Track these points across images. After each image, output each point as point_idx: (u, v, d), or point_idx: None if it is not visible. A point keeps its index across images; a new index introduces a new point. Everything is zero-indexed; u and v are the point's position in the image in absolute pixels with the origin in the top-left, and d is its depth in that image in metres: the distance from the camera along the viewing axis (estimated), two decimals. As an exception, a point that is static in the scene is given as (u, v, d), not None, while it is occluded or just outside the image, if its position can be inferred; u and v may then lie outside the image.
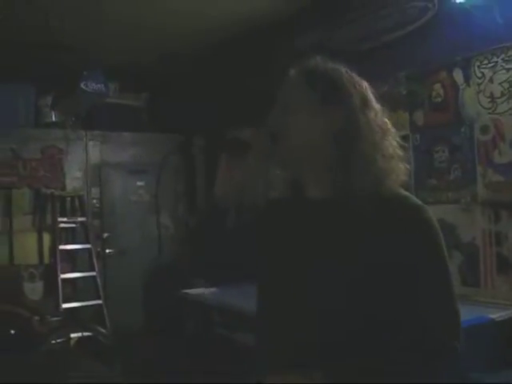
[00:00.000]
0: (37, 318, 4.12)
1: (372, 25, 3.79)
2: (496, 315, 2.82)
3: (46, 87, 5.29)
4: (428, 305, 1.31)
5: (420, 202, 1.38)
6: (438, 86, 3.49)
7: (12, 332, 3.92)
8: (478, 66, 3.27)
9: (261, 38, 4.72)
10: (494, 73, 3.20)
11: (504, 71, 3.15)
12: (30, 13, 4.11)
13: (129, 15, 4.33)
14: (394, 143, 1.41)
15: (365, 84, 1.44)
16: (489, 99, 3.23)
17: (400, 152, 1.41)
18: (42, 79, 5.15)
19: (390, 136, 1.41)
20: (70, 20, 4.18)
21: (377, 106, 1.42)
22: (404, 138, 3.65)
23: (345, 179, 1.35)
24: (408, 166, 1.42)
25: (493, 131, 3.21)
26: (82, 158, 5.47)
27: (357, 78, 1.44)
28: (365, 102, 1.39)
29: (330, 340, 1.31)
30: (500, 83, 3.17)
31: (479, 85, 3.28)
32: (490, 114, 3.23)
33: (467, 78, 3.34)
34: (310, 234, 1.39)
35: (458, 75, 3.38)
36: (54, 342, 4.06)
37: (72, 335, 4.38)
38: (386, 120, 1.42)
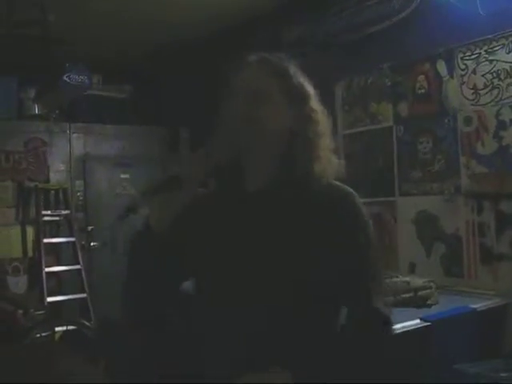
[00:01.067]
0: (21, 311, 4.10)
1: (356, 17, 3.79)
2: (478, 305, 2.85)
3: (28, 79, 5.24)
4: (352, 294, 1.40)
5: (350, 190, 1.46)
6: (421, 77, 3.50)
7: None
8: (462, 58, 3.29)
9: (245, 32, 4.70)
10: (477, 64, 3.22)
11: (487, 63, 3.17)
12: (12, 4, 4.05)
13: (114, 7, 4.29)
14: (332, 141, 1.50)
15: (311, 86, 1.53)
16: (472, 91, 3.25)
17: (335, 148, 1.50)
18: (24, 71, 5.10)
19: (330, 134, 1.50)
20: (53, 12, 4.13)
21: (321, 106, 1.51)
22: (387, 129, 3.72)
23: (291, 172, 1.42)
24: (341, 161, 1.50)
25: (476, 122, 3.23)
26: (66, 151, 5.43)
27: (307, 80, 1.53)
28: (317, 103, 1.50)
29: (265, 330, 1.35)
30: (483, 75, 3.19)
31: (462, 76, 3.29)
32: (473, 105, 3.25)
33: (450, 70, 3.35)
34: (248, 226, 1.43)
35: (442, 67, 3.40)
36: (38, 335, 4.04)
37: (56, 329, 4.36)
38: (328, 119, 1.51)
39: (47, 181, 5.32)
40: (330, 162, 1.46)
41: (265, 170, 1.46)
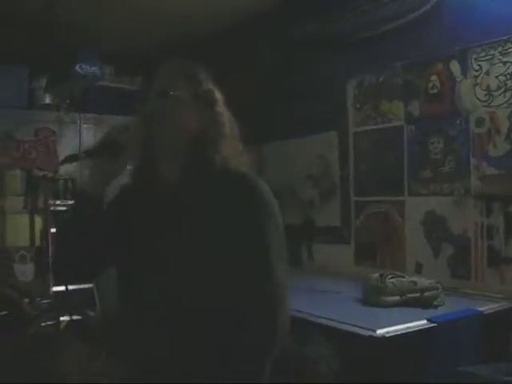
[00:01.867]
0: (27, 300, 4.12)
1: (371, 14, 3.76)
2: (485, 308, 2.83)
3: (39, 69, 5.24)
4: (244, 276, 1.49)
5: (248, 173, 1.61)
6: (434, 77, 3.48)
7: (2, 313, 3.92)
8: (475, 59, 3.26)
9: (257, 26, 4.68)
10: (491, 66, 3.19)
11: (501, 64, 3.14)
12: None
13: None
14: (239, 142, 1.68)
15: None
16: (485, 92, 3.22)
17: (240, 146, 1.68)
18: (35, 61, 5.10)
19: (236, 136, 1.67)
20: (66, 2, 4.13)
21: (227, 110, 1.69)
22: (398, 128, 3.69)
23: (198, 166, 1.58)
24: (247, 158, 1.66)
25: (488, 124, 3.20)
26: (76, 141, 5.43)
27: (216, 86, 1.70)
28: (223, 108, 1.67)
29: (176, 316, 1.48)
30: (496, 76, 3.16)
31: (476, 77, 3.26)
32: (485, 106, 3.22)
33: (464, 70, 3.32)
34: (164, 215, 1.58)
35: (455, 67, 3.37)
36: (43, 324, 4.06)
37: (62, 318, 4.38)
38: (234, 123, 1.68)
39: (56, 170, 5.33)
40: (233, 155, 1.62)
41: (174, 164, 1.61)
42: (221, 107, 1.66)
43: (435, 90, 3.47)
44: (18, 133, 5.22)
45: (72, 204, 1.73)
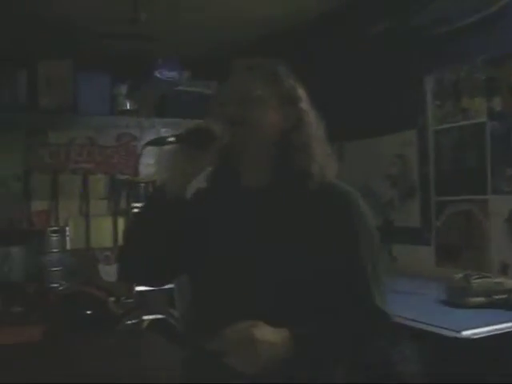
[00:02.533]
0: (113, 299, 4.26)
1: (451, 7, 3.67)
2: None
3: (120, 76, 5.41)
4: (352, 292, 1.43)
5: (348, 189, 1.51)
6: (518, 71, 3.36)
7: (88, 312, 4.06)
8: (562, 50, 3.14)
9: (334, 24, 4.66)
10: None
11: None
12: (105, 2, 4.20)
13: (203, 3, 4.36)
14: (326, 143, 1.56)
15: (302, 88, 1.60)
16: None
17: (329, 150, 1.56)
18: (116, 68, 5.28)
19: (323, 135, 1.56)
20: (144, 9, 4.24)
21: (312, 108, 1.58)
22: (480, 125, 3.58)
23: (287, 172, 1.49)
24: (336, 163, 1.56)
25: None
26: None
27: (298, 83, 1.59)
28: (308, 105, 1.56)
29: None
30: None
31: (563, 70, 3.14)
32: None
33: (550, 63, 3.20)
34: (247, 223, 1.49)
35: (540, 60, 3.25)
36: (128, 323, 4.19)
37: (145, 317, 4.51)
38: (320, 121, 1.57)
39: (137, 174, 5.49)
40: (325, 162, 1.52)
41: (259, 169, 1.53)
42: (305, 105, 1.55)
43: (519, 85, 3.36)
44: (100, 138, 5.42)
45: (147, 202, 1.58)
